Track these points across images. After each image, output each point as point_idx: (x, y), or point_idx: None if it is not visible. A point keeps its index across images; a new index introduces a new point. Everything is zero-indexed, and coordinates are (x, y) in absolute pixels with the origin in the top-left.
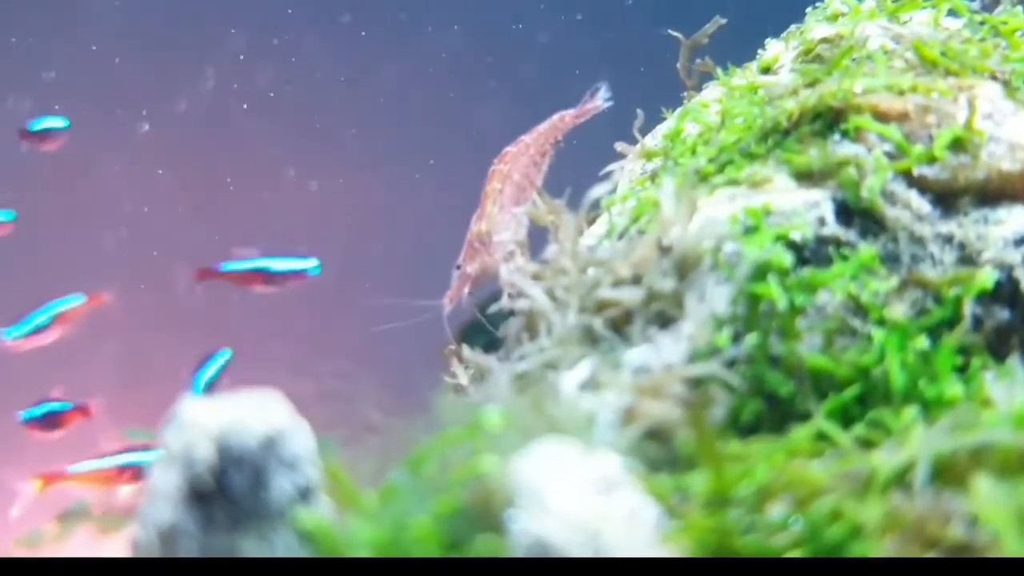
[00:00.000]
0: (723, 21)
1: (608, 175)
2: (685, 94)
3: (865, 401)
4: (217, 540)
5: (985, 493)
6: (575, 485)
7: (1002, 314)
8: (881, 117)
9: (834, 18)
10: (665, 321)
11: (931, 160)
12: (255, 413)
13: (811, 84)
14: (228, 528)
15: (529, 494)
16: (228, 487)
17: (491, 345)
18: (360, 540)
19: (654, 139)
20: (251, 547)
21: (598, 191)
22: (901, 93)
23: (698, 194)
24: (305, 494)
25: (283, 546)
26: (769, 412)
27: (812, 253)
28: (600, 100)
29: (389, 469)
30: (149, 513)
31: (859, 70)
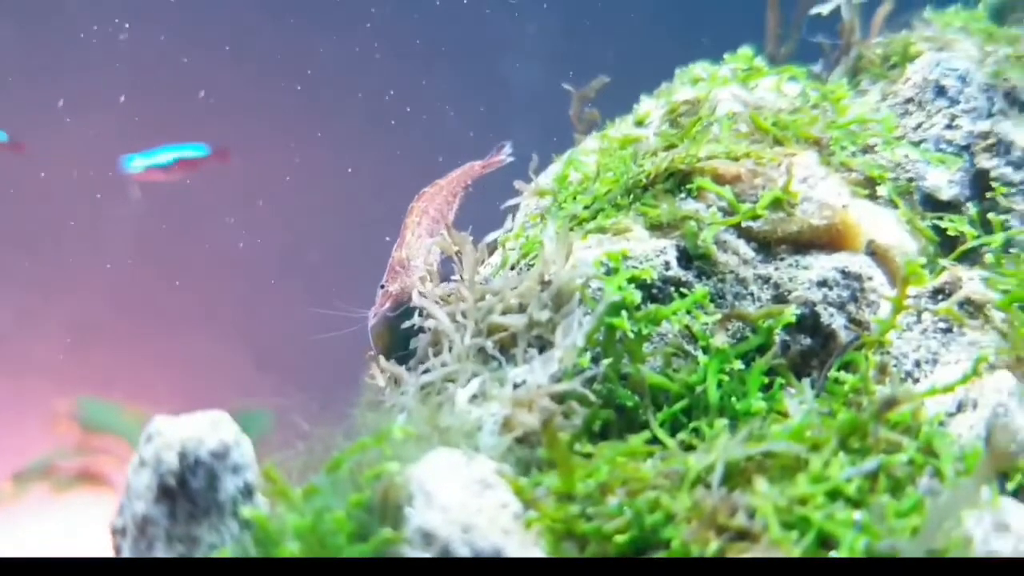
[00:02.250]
0: (607, 80)
1: (508, 209)
2: (575, 137)
3: (690, 412)
4: (179, 528)
5: (761, 491)
6: (457, 487)
7: (805, 341)
8: (719, 179)
9: (695, 82)
10: (543, 344)
11: (755, 217)
12: (209, 430)
13: (668, 147)
14: (188, 519)
15: (421, 493)
16: (188, 487)
17: (405, 354)
18: (288, 528)
19: (547, 178)
20: (205, 534)
21: (494, 234)
22: (736, 159)
23: (574, 237)
24: (246, 493)
25: (229, 533)
26: (618, 420)
27: (658, 291)
28: (504, 155)
29: (313, 469)
30: (127, 505)
31: (704, 138)
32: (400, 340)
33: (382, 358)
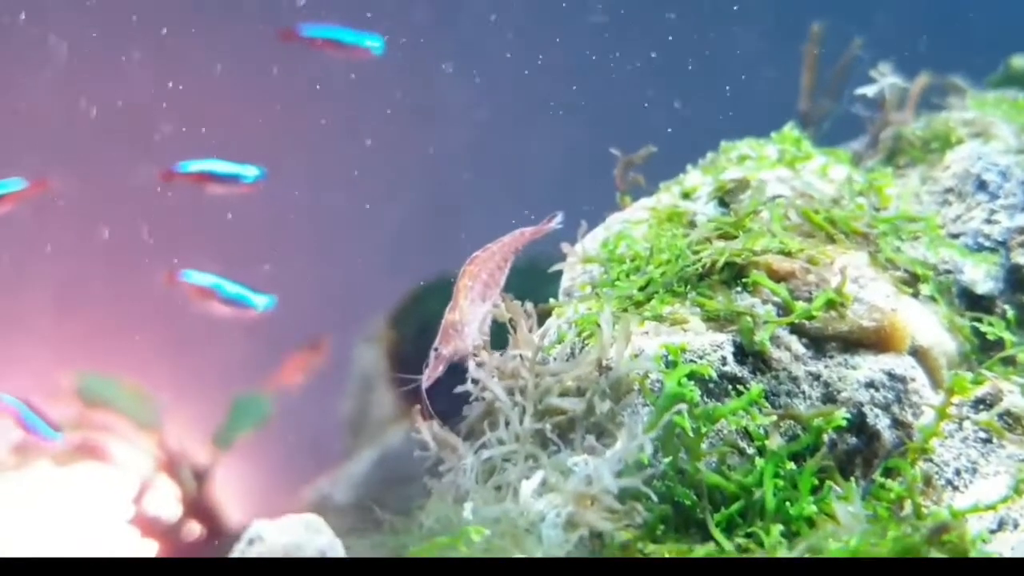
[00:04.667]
0: (654, 149)
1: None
2: (618, 195)
3: (746, 514)
4: None
5: None
6: None
7: (851, 440)
8: (774, 274)
9: (742, 160)
10: (601, 431)
11: (809, 318)
12: (306, 535)
13: (722, 235)
14: None
15: None
16: None
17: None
18: None
19: (593, 241)
20: None
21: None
22: (790, 254)
23: (631, 320)
24: None
25: None
26: (675, 515)
27: (715, 385)
28: (555, 223)
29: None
30: None
31: (760, 234)
32: (450, 401)
33: (435, 424)
